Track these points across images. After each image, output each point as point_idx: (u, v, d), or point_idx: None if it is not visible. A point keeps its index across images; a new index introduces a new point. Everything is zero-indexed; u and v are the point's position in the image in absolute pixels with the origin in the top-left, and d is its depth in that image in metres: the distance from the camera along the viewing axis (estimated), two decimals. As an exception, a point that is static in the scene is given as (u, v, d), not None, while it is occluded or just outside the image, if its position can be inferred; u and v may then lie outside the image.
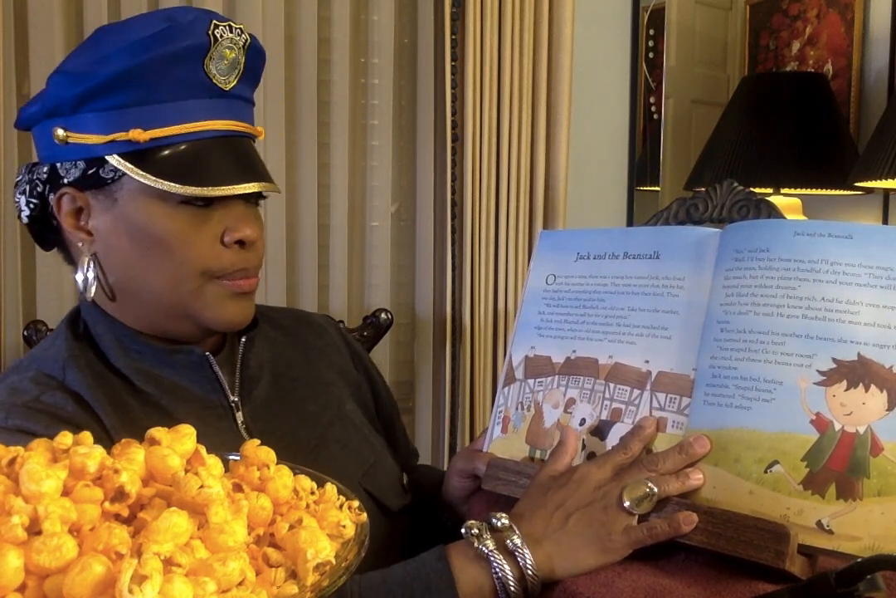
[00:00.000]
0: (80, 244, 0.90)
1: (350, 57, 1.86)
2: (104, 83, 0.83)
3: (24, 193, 0.92)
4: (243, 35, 0.87)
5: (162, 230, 0.86)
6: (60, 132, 0.86)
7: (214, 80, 0.86)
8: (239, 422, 0.92)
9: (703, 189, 0.90)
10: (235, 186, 0.86)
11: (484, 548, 0.71)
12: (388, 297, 1.95)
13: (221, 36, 0.85)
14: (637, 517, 0.70)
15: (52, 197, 0.90)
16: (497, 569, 0.70)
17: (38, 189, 0.91)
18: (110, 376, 0.88)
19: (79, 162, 0.87)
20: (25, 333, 1.40)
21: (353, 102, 1.88)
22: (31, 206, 0.91)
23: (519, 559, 0.71)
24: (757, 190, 0.89)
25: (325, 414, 1.00)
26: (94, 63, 0.84)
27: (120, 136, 0.84)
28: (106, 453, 0.58)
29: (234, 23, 0.87)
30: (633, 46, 2.25)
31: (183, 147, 0.85)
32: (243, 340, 0.97)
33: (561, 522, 0.72)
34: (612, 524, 0.70)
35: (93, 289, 0.90)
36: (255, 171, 0.89)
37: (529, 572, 0.70)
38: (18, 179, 0.94)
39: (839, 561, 0.60)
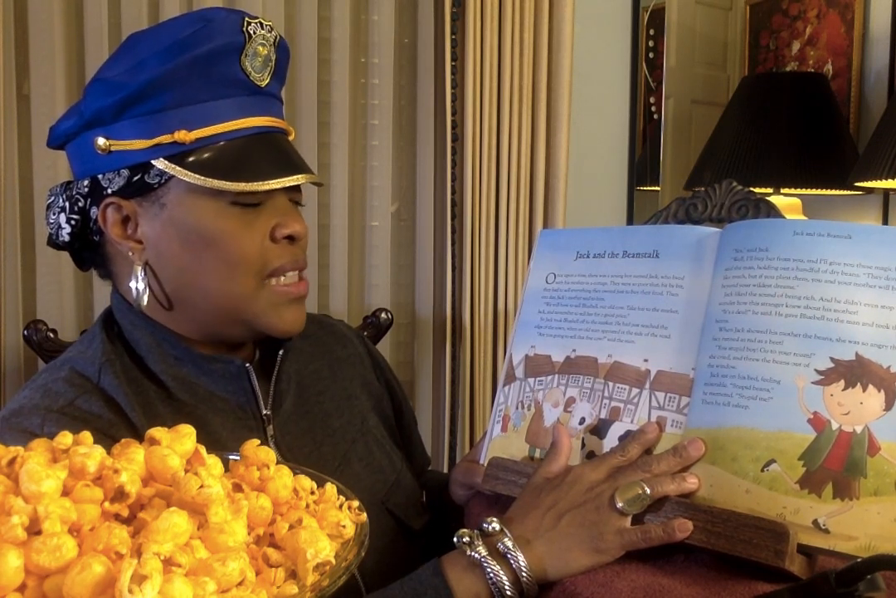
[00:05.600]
0: (130, 254, 0.89)
1: (350, 57, 1.86)
2: (144, 88, 0.83)
3: (62, 210, 0.90)
4: (273, 31, 0.88)
5: (214, 230, 0.86)
6: (102, 141, 0.85)
7: (251, 78, 0.86)
8: (269, 435, 0.92)
9: (702, 189, 0.90)
10: (282, 180, 0.87)
11: (476, 555, 0.71)
12: (388, 297, 1.95)
13: (255, 32, 0.85)
14: (630, 518, 0.70)
15: (94, 210, 0.89)
16: (491, 574, 0.70)
17: (80, 204, 0.89)
18: (145, 383, 0.88)
19: (122, 170, 0.86)
20: (25, 333, 1.40)
21: (353, 102, 1.88)
22: (73, 222, 0.90)
23: (511, 561, 0.70)
24: (757, 190, 0.89)
25: (349, 430, 1.00)
26: (131, 69, 0.83)
27: (164, 139, 0.83)
28: (106, 453, 0.58)
29: (264, 20, 0.87)
30: (633, 46, 2.25)
31: (225, 145, 0.85)
32: (281, 352, 0.96)
33: (553, 522, 0.72)
34: (604, 524, 0.70)
35: (145, 298, 0.88)
36: (298, 164, 0.90)
37: (524, 573, 0.70)
38: (50, 201, 0.92)
39: (839, 561, 0.60)
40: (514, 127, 1.94)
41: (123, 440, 0.64)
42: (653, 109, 2.31)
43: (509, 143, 1.94)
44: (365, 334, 1.52)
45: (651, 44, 2.29)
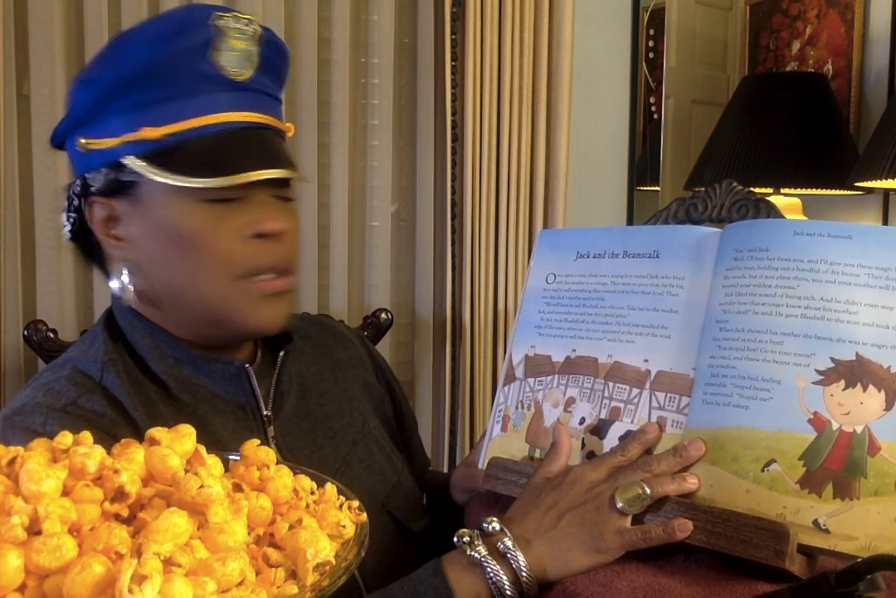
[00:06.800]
0: (112, 252, 0.89)
1: (350, 57, 1.86)
2: (116, 84, 0.83)
3: (65, 209, 0.92)
4: (252, 25, 0.86)
5: (186, 229, 0.85)
6: (83, 140, 0.86)
7: (225, 72, 0.84)
8: (270, 436, 0.92)
9: (702, 189, 0.90)
10: (250, 174, 0.84)
11: (476, 554, 0.71)
12: (388, 297, 1.95)
13: (226, 26, 0.84)
14: (630, 518, 0.70)
15: (86, 209, 0.90)
16: (491, 574, 0.70)
17: (75, 203, 0.91)
18: (146, 383, 0.88)
19: (102, 169, 0.86)
20: (25, 333, 1.41)
21: (353, 102, 1.88)
22: (71, 220, 0.91)
23: (511, 561, 0.70)
24: (757, 190, 0.89)
25: (350, 432, 0.99)
26: (107, 67, 0.84)
27: (131, 136, 0.83)
28: (106, 453, 0.58)
29: (241, 13, 0.85)
30: (633, 46, 2.25)
31: (196, 141, 0.84)
32: (281, 353, 0.95)
33: (553, 522, 0.72)
34: (604, 524, 0.70)
35: (126, 297, 0.89)
36: (274, 159, 0.87)
37: (524, 573, 0.70)
38: (63, 200, 0.94)
39: (839, 561, 0.60)
40: (514, 127, 1.94)
41: (124, 440, 0.64)
42: (653, 108, 2.31)
43: (509, 143, 1.94)
44: (365, 334, 1.52)
45: (651, 44, 2.29)
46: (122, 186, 0.86)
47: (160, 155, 0.84)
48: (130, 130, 0.83)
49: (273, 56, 0.89)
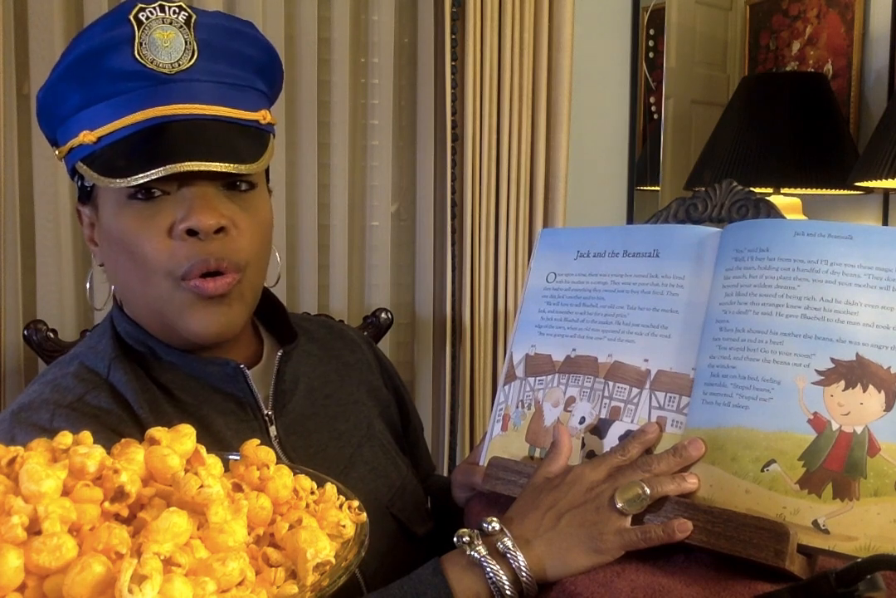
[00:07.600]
0: (94, 256, 0.92)
1: (350, 57, 1.86)
2: (48, 96, 0.84)
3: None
4: (182, 12, 0.82)
5: (117, 231, 0.84)
6: (56, 152, 0.88)
7: (152, 66, 0.81)
8: (272, 435, 0.91)
9: (702, 189, 0.90)
10: (150, 172, 0.79)
11: (476, 554, 0.71)
12: (388, 297, 1.95)
13: (147, 18, 0.81)
14: (630, 518, 0.70)
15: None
16: (490, 574, 0.70)
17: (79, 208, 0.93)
18: (150, 383, 0.88)
19: (73, 177, 0.89)
20: (25, 333, 1.40)
21: (353, 102, 1.88)
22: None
23: (511, 561, 0.70)
24: (757, 190, 0.89)
25: (355, 434, 0.99)
26: (50, 76, 0.85)
27: (75, 141, 0.84)
28: (106, 453, 0.58)
29: (168, 2, 0.81)
30: (633, 46, 2.25)
31: (126, 140, 0.81)
32: (280, 353, 0.95)
33: (552, 522, 0.72)
34: (604, 524, 0.70)
35: (92, 298, 0.91)
36: (199, 150, 0.81)
37: (523, 573, 0.70)
38: None
39: (839, 561, 0.60)
40: (514, 127, 1.94)
41: (124, 440, 0.64)
42: (653, 108, 2.31)
43: (509, 143, 1.94)
44: (365, 334, 1.52)
45: (651, 44, 2.29)
46: (87, 193, 0.88)
47: (98, 158, 0.83)
48: (74, 136, 0.84)
49: (217, 40, 0.84)
